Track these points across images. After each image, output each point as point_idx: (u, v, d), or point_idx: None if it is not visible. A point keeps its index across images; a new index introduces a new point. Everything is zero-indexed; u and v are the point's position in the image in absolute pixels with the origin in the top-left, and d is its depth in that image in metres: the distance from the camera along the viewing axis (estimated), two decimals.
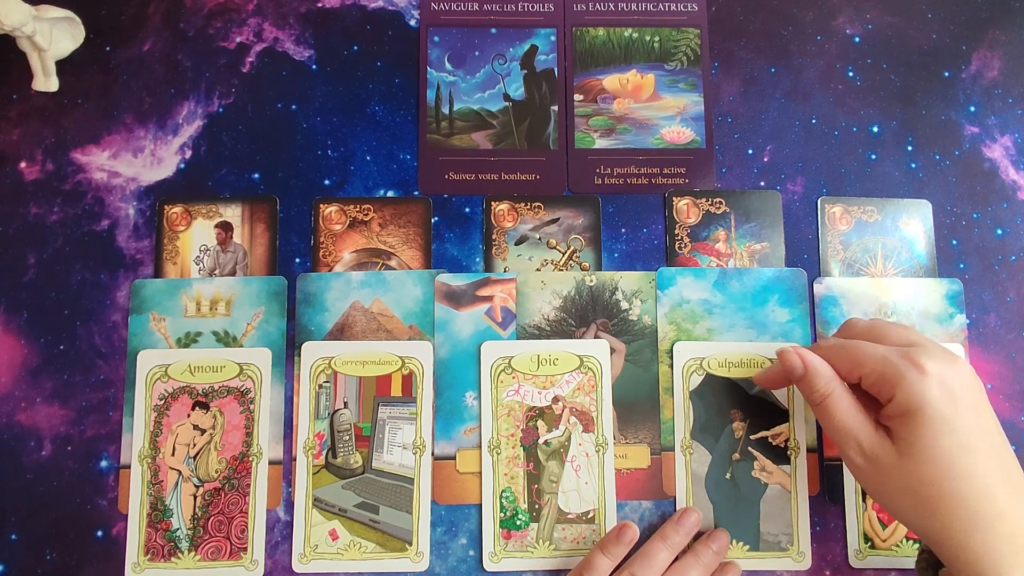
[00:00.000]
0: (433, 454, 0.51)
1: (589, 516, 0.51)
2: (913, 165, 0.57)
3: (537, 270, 0.55)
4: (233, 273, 0.54)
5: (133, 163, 0.56)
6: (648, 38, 0.59)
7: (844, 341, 0.44)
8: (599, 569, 0.47)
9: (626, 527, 0.49)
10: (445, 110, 0.57)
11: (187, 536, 0.50)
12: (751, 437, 0.52)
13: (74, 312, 0.53)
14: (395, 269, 0.54)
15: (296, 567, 0.50)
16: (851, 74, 0.59)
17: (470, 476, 0.51)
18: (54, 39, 0.55)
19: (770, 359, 0.53)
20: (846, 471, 0.52)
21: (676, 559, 0.48)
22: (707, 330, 0.53)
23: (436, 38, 0.59)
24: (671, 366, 0.53)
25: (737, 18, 0.60)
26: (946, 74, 0.59)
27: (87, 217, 0.55)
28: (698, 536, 0.50)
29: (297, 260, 0.55)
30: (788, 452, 0.52)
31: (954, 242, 0.56)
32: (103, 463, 0.51)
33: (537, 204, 0.56)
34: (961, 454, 0.39)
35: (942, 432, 0.39)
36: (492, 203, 0.56)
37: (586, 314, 0.53)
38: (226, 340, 0.53)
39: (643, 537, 0.49)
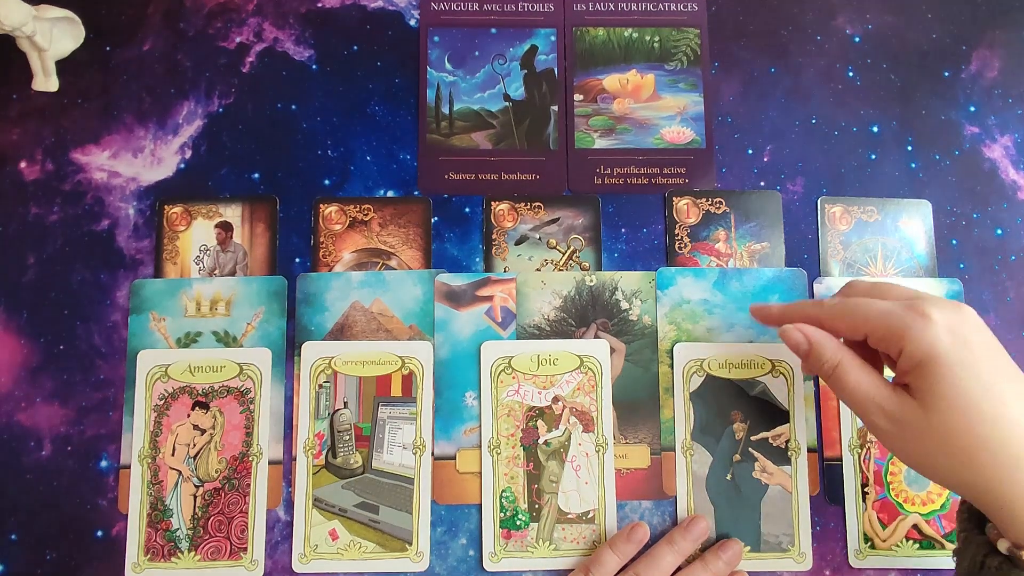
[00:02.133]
0: (433, 454, 0.51)
1: (589, 516, 0.51)
2: (913, 165, 0.57)
3: (537, 270, 0.55)
4: (233, 273, 0.54)
5: (133, 163, 0.56)
6: (648, 38, 0.59)
7: (846, 299, 0.43)
8: (607, 565, 0.47)
9: (637, 527, 0.49)
10: (445, 110, 0.57)
11: (187, 536, 0.50)
12: (752, 438, 0.52)
13: (74, 312, 0.53)
14: (395, 269, 0.54)
15: (296, 567, 0.50)
16: (851, 74, 0.59)
17: (470, 476, 0.51)
18: (54, 39, 0.55)
19: (770, 359, 0.53)
20: (846, 471, 0.52)
21: (683, 566, 0.48)
22: (707, 330, 0.53)
23: (436, 38, 0.59)
24: (671, 366, 0.53)
25: (737, 18, 0.60)
26: (946, 74, 0.59)
27: (87, 217, 0.55)
28: (706, 545, 0.50)
29: (297, 260, 0.55)
30: (789, 453, 0.52)
31: (954, 242, 0.56)
32: (103, 463, 0.51)
33: (537, 204, 0.56)
34: (986, 397, 0.37)
35: (961, 377, 0.37)
36: (492, 203, 0.56)
37: (586, 314, 0.53)
38: (226, 340, 0.53)
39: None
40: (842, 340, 0.43)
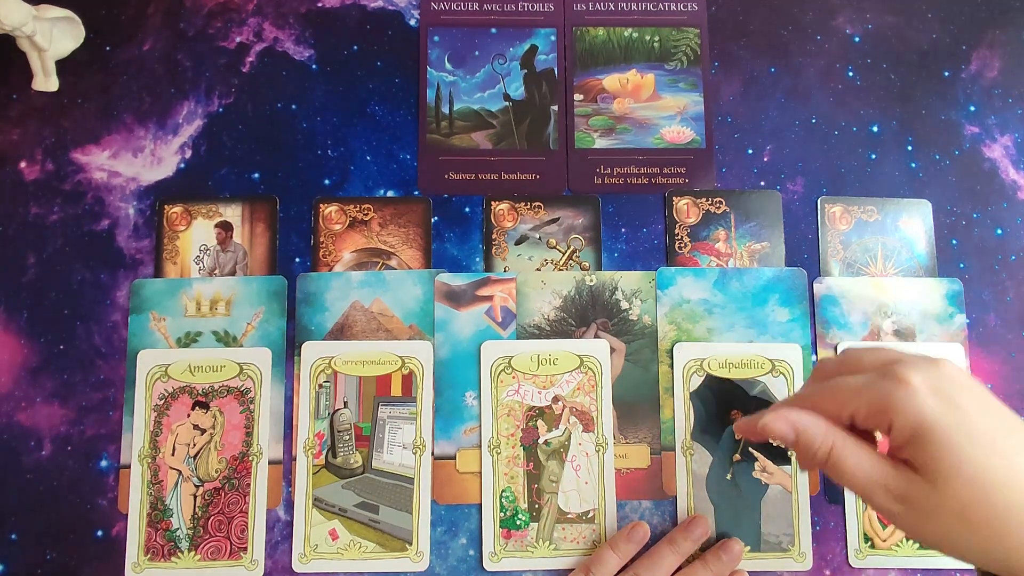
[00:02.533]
0: (433, 454, 0.51)
1: (589, 516, 0.51)
2: (913, 165, 0.57)
3: (537, 270, 0.55)
4: (233, 273, 0.54)
5: (133, 163, 0.56)
6: (648, 38, 0.59)
7: (820, 385, 0.39)
8: (607, 565, 0.47)
9: (637, 526, 0.49)
10: (445, 110, 0.57)
11: (187, 536, 0.50)
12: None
13: (74, 312, 0.53)
14: (395, 269, 0.54)
15: (296, 567, 0.50)
16: (851, 74, 0.59)
17: (470, 476, 0.51)
18: (54, 39, 0.55)
19: (770, 359, 0.53)
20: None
21: (683, 565, 0.48)
22: (707, 330, 0.53)
23: (436, 38, 0.59)
24: (671, 366, 0.53)
25: (737, 18, 0.60)
26: (946, 74, 0.59)
27: (87, 217, 0.55)
28: (707, 545, 0.50)
29: (297, 260, 0.55)
30: (789, 453, 0.52)
31: (954, 242, 0.56)
32: (103, 463, 0.51)
33: (537, 204, 0.56)
34: (991, 460, 0.34)
35: (958, 443, 0.34)
36: (492, 203, 0.56)
37: (586, 314, 0.53)
38: (226, 340, 0.53)
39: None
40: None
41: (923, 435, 0.34)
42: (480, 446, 0.51)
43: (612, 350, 0.53)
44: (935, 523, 0.35)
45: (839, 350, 0.53)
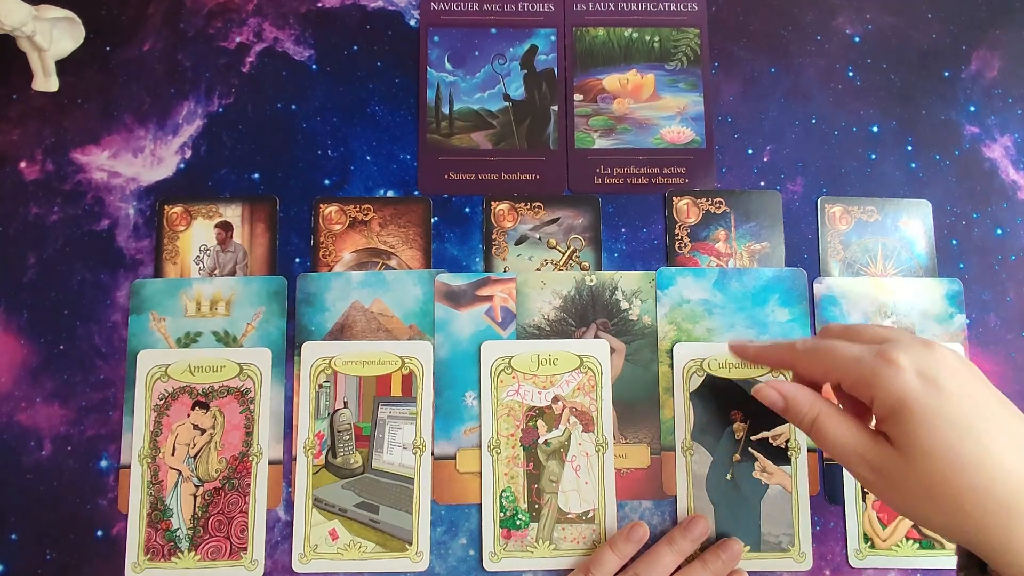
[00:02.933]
0: (433, 454, 0.51)
1: (589, 516, 0.51)
2: (913, 165, 0.57)
3: (537, 270, 0.55)
4: (233, 273, 0.54)
5: (133, 163, 0.56)
6: (648, 38, 0.59)
7: (817, 343, 0.42)
8: (606, 565, 0.48)
9: (637, 526, 0.49)
10: (445, 110, 0.57)
11: (187, 536, 0.50)
12: (752, 438, 0.52)
13: (74, 312, 0.53)
14: (395, 269, 0.54)
15: (296, 567, 0.50)
16: (851, 74, 0.59)
17: (470, 476, 0.51)
18: (54, 39, 0.55)
19: None
20: (846, 472, 0.52)
21: (683, 565, 0.48)
22: (707, 330, 0.53)
23: (436, 38, 0.59)
24: (671, 366, 0.53)
25: (737, 18, 0.60)
26: (946, 74, 0.59)
27: (87, 217, 0.55)
28: (706, 545, 0.50)
29: (297, 260, 0.55)
30: (788, 453, 0.52)
31: (954, 242, 0.56)
32: (103, 463, 0.51)
33: (537, 204, 0.56)
34: (964, 442, 0.35)
35: (935, 424, 0.36)
36: (492, 203, 0.56)
37: (586, 314, 0.53)
38: (226, 340, 0.53)
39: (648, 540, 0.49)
40: (826, 388, 0.43)
41: (900, 412, 0.36)
42: (480, 446, 0.51)
43: (612, 350, 0.53)
44: (904, 495, 0.37)
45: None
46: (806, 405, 0.41)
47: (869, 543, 0.51)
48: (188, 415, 0.52)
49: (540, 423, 0.52)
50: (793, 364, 0.43)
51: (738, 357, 0.47)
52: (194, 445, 0.51)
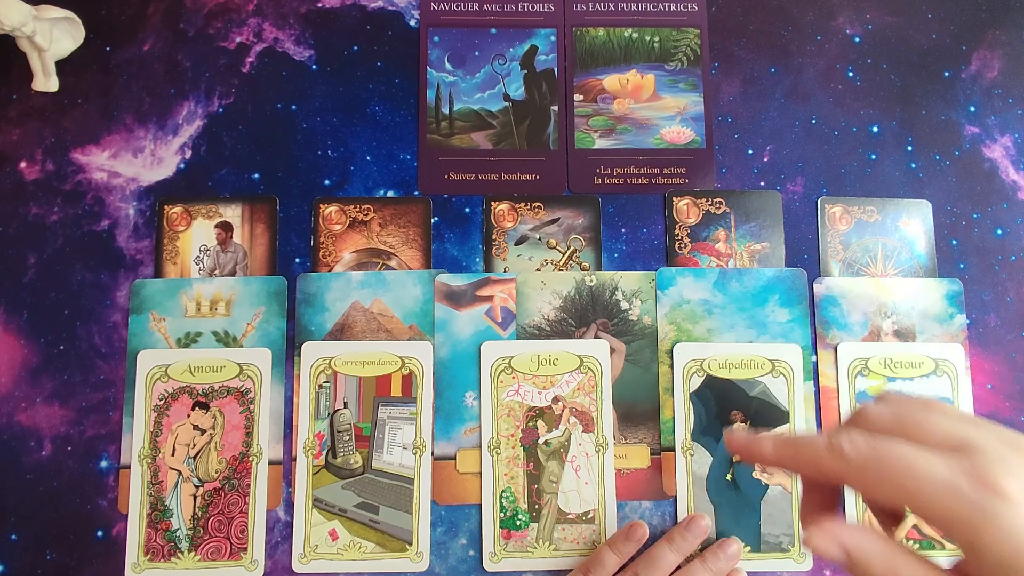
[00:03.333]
0: (433, 454, 0.51)
1: (589, 516, 0.51)
2: (913, 165, 0.57)
3: (537, 270, 0.55)
4: (233, 273, 0.54)
5: (133, 163, 0.56)
6: (648, 38, 0.59)
7: (876, 448, 0.28)
8: (606, 565, 0.47)
9: (636, 526, 0.49)
10: (445, 110, 0.57)
11: (187, 536, 0.50)
12: None
13: (74, 312, 0.53)
14: (395, 269, 0.54)
15: (296, 567, 0.50)
16: (851, 74, 0.59)
17: (470, 476, 0.51)
18: (54, 39, 0.55)
19: (770, 359, 0.53)
20: None
21: (683, 565, 0.48)
22: (707, 330, 0.53)
23: (436, 38, 0.59)
24: (671, 367, 0.53)
25: (737, 18, 0.60)
26: (946, 74, 0.59)
27: (87, 217, 0.55)
28: (706, 545, 0.50)
29: (297, 260, 0.55)
30: None
31: (954, 242, 0.56)
32: (103, 463, 0.51)
33: (537, 204, 0.56)
34: None
35: None
36: (492, 203, 0.56)
37: (586, 314, 0.53)
38: (226, 340, 0.53)
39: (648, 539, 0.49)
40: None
41: (1015, 568, 0.26)
42: (480, 446, 0.51)
43: (612, 350, 0.53)
44: None
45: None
46: (879, 560, 0.29)
47: None
48: (188, 415, 0.52)
49: (540, 423, 0.52)
50: (842, 476, 0.29)
51: (745, 458, 0.37)
52: (194, 445, 0.51)
